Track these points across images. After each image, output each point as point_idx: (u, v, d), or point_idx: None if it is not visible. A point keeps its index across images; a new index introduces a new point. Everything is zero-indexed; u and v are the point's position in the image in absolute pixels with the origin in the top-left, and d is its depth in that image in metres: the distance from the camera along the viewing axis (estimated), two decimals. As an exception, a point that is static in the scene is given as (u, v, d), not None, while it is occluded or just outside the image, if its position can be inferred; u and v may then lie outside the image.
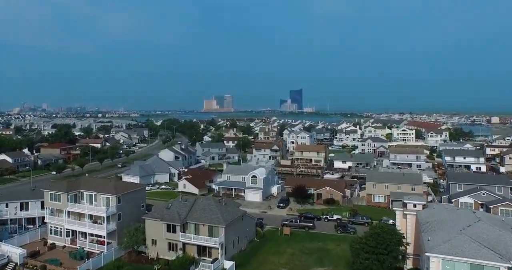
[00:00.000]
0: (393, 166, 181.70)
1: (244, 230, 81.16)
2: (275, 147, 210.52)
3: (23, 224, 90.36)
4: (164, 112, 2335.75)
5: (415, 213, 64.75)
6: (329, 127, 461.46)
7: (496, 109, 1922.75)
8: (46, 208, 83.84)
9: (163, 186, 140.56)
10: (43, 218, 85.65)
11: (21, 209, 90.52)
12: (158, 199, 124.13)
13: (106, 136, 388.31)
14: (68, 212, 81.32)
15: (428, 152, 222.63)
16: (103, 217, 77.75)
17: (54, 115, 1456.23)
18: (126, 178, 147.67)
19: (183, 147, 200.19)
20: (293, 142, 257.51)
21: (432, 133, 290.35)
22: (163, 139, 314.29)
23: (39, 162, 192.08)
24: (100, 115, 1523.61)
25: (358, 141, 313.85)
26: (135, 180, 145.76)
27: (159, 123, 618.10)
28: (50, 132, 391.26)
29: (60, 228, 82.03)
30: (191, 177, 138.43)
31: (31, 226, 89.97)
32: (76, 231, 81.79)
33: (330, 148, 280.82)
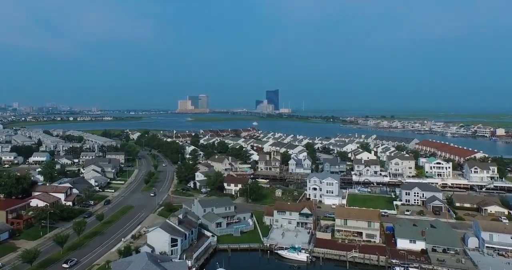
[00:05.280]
0: (489, 250, 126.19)
1: None
2: (306, 210, 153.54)
3: None
4: (138, 112, 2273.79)
5: None
6: (331, 147, 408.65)
7: (473, 111, 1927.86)
8: None
9: None
10: None
11: None
12: None
13: (75, 159, 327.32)
14: None
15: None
16: None
17: (23, 118, 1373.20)
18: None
19: (181, 216, 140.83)
20: (315, 188, 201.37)
21: (476, 168, 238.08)
22: (145, 177, 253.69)
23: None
24: (71, 118, 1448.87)
25: (380, 174, 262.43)
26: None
27: (135, 136, 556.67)
28: (7, 158, 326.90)
29: None
30: None
31: None
32: None
33: (357, 191, 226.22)
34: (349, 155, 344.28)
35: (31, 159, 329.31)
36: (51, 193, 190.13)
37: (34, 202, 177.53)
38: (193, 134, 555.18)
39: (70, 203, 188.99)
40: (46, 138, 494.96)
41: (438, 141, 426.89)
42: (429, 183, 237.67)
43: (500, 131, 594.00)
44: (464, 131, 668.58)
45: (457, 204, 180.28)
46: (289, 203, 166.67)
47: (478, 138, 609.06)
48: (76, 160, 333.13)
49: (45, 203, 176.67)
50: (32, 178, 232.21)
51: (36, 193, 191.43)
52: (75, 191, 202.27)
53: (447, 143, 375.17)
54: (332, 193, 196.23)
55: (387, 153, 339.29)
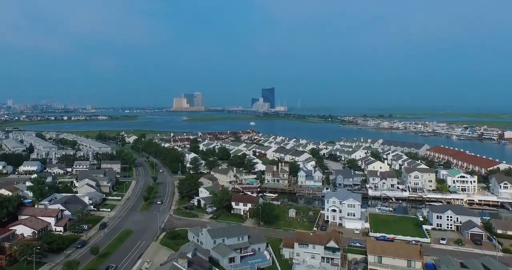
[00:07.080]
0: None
1: None
2: (332, 243, 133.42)
3: None
4: (133, 110, 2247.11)
5: None
6: (337, 153, 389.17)
7: (470, 110, 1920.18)
8: None
9: None
10: None
11: None
12: None
13: (68, 168, 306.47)
14: None
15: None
16: None
17: (16, 118, 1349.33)
18: None
19: (190, 255, 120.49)
20: (334, 210, 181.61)
21: (506, 184, 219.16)
22: (144, 193, 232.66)
23: None
24: (65, 118, 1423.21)
25: (398, 188, 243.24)
26: None
27: (131, 139, 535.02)
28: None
29: None
30: None
31: None
32: None
33: (377, 210, 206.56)
34: (359, 163, 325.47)
35: (21, 168, 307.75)
36: (39, 217, 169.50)
37: (20, 229, 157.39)
38: (191, 137, 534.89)
39: (61, 228, 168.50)
40: (39, 142, 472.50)
41: (447, 146, 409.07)
42: (453, 198, 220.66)
43: (509, 134, 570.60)
44: (469, 134, 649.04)
45: (499, 231, 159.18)
46: (311, 233, 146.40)
47: (485, 140, 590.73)
48: (69, 169, 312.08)
49: (32, 230, 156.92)
50: (20, 193, 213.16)
51: (23, 217, 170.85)
52: (66, 213, 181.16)
53: (461, 150, 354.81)
54: (354, 215, 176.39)
55: (400, 161, 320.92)
